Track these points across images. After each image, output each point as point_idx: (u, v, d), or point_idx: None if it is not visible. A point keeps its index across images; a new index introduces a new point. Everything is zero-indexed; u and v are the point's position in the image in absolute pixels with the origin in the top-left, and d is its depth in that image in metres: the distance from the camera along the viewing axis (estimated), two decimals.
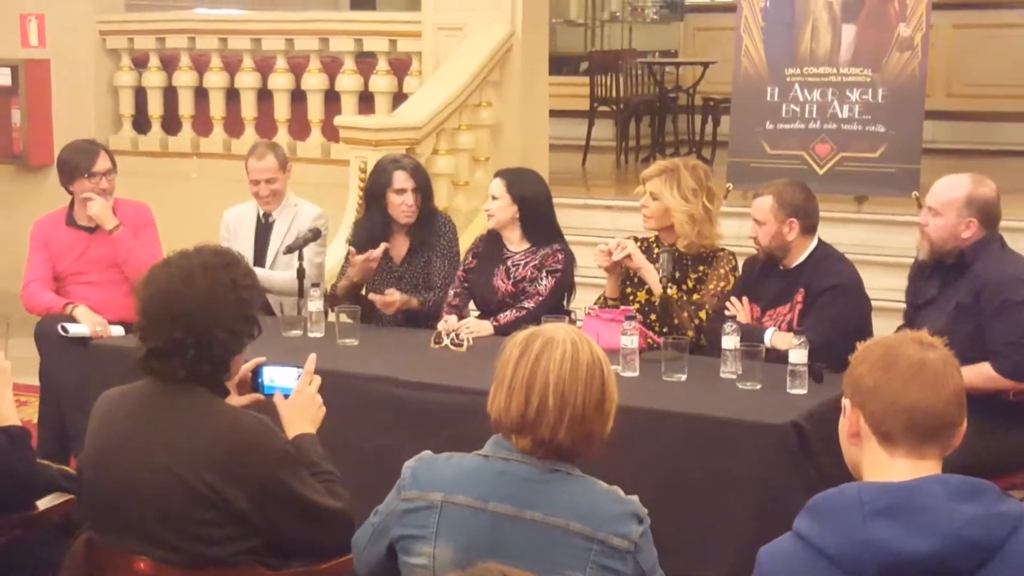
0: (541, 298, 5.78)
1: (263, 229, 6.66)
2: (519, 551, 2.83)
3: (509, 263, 5.95)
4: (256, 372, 3.74)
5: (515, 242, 5.99)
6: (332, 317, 5.84)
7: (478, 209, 8.62)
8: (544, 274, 5.84)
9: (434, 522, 2.93)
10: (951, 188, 5.01)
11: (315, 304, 5.71)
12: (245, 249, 6.46)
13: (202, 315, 3.33)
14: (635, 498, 2.93)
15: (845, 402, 2.60)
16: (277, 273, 6.42)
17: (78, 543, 3.49)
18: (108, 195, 6.42)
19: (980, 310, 4.87)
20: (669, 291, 5.43)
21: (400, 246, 6.27)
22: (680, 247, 5.61)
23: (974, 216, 4.94)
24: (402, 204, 6.14)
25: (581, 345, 2.94)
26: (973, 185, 4.98)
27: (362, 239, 6.28)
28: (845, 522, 2.39)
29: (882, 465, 2.52)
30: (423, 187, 6.23)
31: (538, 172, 6.30)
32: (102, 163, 6.40)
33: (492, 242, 6.06)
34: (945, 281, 5.05)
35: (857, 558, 2.36)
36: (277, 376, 3.74)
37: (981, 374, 4.75)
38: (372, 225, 6.26)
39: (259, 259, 6.53)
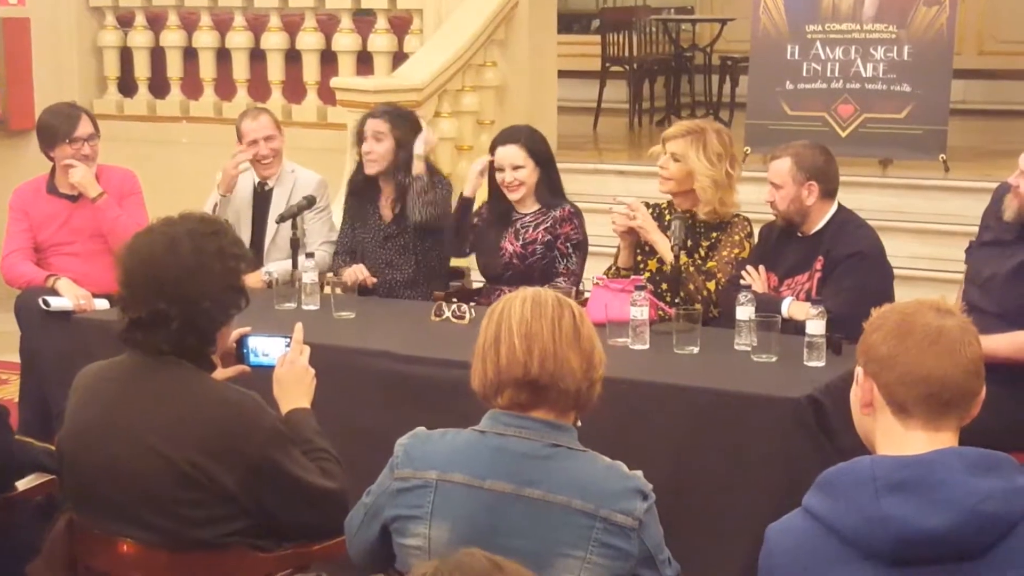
0: (576, 277, 5.87)
1: (261, 199, 6.59)
2: (518, 530, 2.84)
3: (519, 224, 5.99)
4: (241, 342, 3.75)
5: (527, 205, 6.02)
6: (328, 290, 5.84)
7: None
8: (569, 248, 5.88)
9: (429, 501, 2.93)
10: None
11: (309, 275, 5.69)
12: (243, 220, 6.45)
13: (187, 285, 3.34)
14: (639, 473, 2.94)
15: (858, 371, 2.61)
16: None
17: (59, 524, 3.51)
18: (91, 161, 6.41)
19: None
20: (680, 259, 5.42)
21: (388, 206, 6.32)
22: (700, 214, 5.61)
23: None
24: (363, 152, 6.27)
25: (546, 294, 3.00)
26: None
27: (349, 196, 6.48)
28: (857, 498, 2.39)
29: (896, 437, 2.52)
30: (393, 133, 6.21)
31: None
32: (84, 127, 6.39)
33: (499, 207, 6.08)
34: (1022, 235, 4.94)
35: (870, 535, 2.37)
36: (263, 346, 3.75)
37: (1014, 343, 4.74)
38: (356, 182, 6.40)
39: (258, 230, 6.49)
